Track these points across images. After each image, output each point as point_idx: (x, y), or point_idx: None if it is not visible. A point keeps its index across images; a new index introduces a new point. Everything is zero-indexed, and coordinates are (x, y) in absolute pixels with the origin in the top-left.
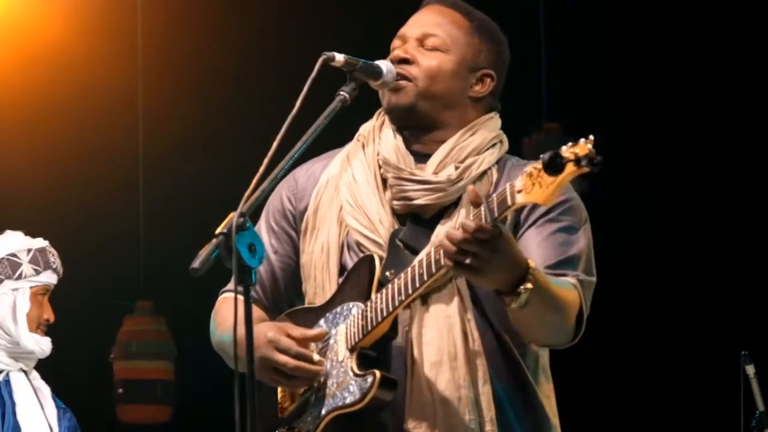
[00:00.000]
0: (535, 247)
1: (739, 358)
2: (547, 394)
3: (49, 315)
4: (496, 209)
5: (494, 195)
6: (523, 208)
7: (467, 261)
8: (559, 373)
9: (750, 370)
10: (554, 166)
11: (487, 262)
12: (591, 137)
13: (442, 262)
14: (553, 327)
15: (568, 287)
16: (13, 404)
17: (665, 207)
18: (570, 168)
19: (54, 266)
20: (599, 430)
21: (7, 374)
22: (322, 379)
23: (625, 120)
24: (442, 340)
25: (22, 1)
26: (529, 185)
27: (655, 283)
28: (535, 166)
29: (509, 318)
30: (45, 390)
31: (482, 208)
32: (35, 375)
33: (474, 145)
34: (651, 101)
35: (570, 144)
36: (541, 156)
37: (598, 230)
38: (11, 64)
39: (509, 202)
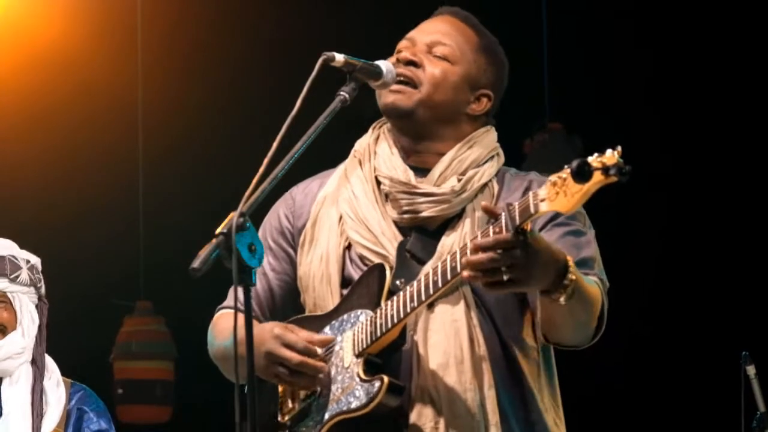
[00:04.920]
0: None
1: (740, 359)
2: (551, 404)
3: None
4: (517, 217)
5: (516, 203)
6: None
7: (505, 277)
8: (558, 373)
9: (751, 370)
10: (582, 174)
11: (525, 268)
12: (618, 148)
13: (458, 270)
14: (582, 324)
15: (594, 284)
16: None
17: (666, 208)
18: (597, 177)
19: None
20: (600, 430)
21: None
22: (325, 384)
23: (626, 121)
24: (448, 343)
25: (22, 1)
26: (553, 194)
27: (655, 284)
28: (559, 175)
29: (515, 325)
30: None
31: (503, 216)
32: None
33: (473, 158)
34: (653, 101)
35: (597, 154)
36: (567, 165)
37: (599, 232)
38: (11, 64)
39: (532, 210)
